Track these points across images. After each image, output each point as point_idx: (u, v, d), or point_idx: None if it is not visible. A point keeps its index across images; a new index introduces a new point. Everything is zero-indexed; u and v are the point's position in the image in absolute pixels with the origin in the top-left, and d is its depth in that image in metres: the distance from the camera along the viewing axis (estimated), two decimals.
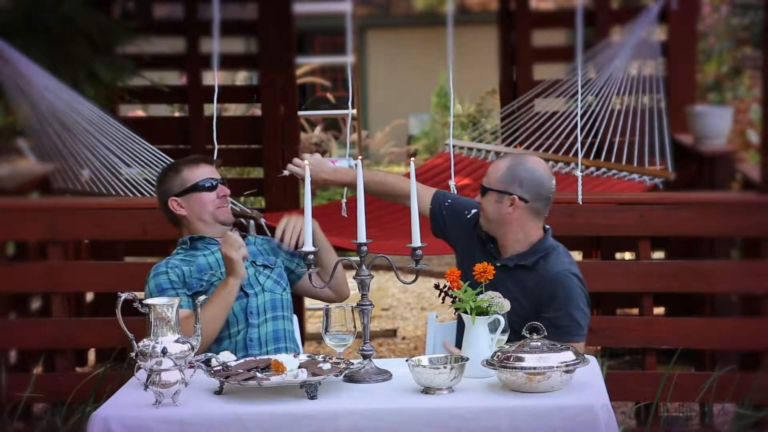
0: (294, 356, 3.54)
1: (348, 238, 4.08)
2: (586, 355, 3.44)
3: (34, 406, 5.37)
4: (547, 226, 4.00)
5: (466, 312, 3.48)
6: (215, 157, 4.91)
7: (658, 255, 6.89)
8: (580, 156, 5.16)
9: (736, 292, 5.56)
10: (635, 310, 5.63)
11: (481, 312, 3.48)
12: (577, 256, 7.53)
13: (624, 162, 6.07)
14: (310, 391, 3.33)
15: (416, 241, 3.57)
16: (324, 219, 4.38)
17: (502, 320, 3.52)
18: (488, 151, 6.23)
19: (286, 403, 3.31)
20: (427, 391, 3.36)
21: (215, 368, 3.46)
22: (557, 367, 3.30)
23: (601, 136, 6.18)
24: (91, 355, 6.81)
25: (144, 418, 3.26)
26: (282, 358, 3.50)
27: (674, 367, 5.14)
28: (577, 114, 5.22)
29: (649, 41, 6.61)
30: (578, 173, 5.10)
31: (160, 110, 10.00)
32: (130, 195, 5.40)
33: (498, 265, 3.73)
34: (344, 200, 5.12)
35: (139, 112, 9.73)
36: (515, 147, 6.30)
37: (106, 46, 6.17)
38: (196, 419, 3.26)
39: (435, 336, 4.19)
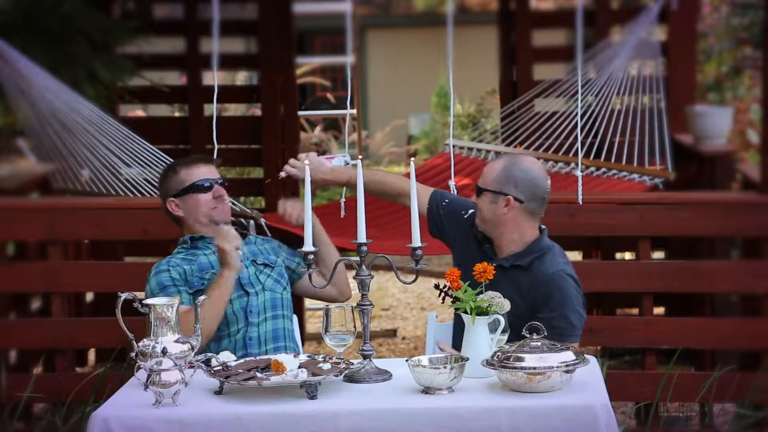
0: (294, 356, 3.54)
1: (348, 238, 4.08)
2: (586, 355, 3.44)
3: (34, 406, 5.37)
4: (543, 227, 4.00)
5: (466, 312, 3.48)
6: (215, 157, 4.91)
7: (658, 255, 6.89)
8: (580, 156, 5.16)
9: (736, 292, 5.56)
10: (635, 310, 5.63)
11: (481, 312, 3.48)
12: (577, 256, 7.53)
13: (624, 162, 6.07)
14: (310, 391, 3.33)
15: (416, 241, 3.57)
16: (324, 219, 4.38)
17: (502, 320, 3.53)
18: (488, 151, 6.23)
19: (286, 403, 3.31)
20: (427, 391, 3.36)
21: (215, 368, 3.46)
22: (557, 367, 3.30)
23: (601, 136, 6.18)
24: (91, 355, 6.81)
25: (144, 418, 3.26)
26: (282, 358, 3.50)
27: (674, 367, 5.14)
28: (577, 114, 5.22)
29: (649, 41, 6.61)
30: (578, 173, 5.10)
31: (160, 110, 10.00)
32: (130, 195, 5.40)
33: (494, 265, 3.72)
34: (343, 200, 5.13)
35: (139, 112, 9.72)
36: (515, 147, 6.30)
37: (106, 46, 6.17)
38: (196, 419, 3.26)
39: (435, 336, 4.19)
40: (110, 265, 5.81)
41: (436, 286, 3.63)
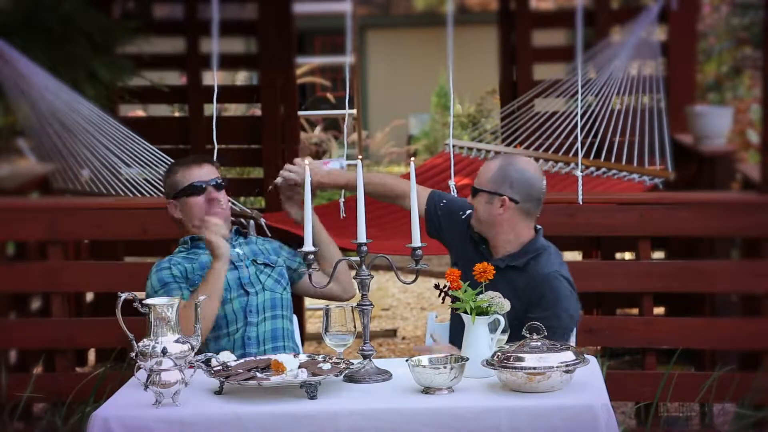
0: (294, 356, 3.54)
1: (348, 238, 4.08)
2: (586, 355, 3.44)
3: (34, 406, 5.37)
4: (539, 227, 3.99)
5: (466, 312, 3.48)
6: (215, 157, 4.90)
7: (658, 255, 6.89)
8: (580, 156, 5.16)
9: (736, 292, 5.56)
10: (635, 310, 5.63)
11: (481, 312, 3.48)
12: (577, 256, 7.54)
13: (624, 162, 6.07)
14: (310, 391, 3.33)
15: (416, 241, 3.57)
16: (324, 219, 4.38)
17: (502, 320, 3.52)
18: (488, 151, 6.23)
19: (286, 403, 3.31)
20: (427, 391, 3.36)
21: (215, 368, 3.46)
22: (557, 367, 3.30)
23: (601, 136, 6.18)
24: (91, 355, 6.81)
25: (144, 418, 3.26)
26: (282, 358, 3.50)
27: (674, 367, 5.14)
28: (577, 114, 5.22)
29: (649, 41, 6.61)
30: (578, 173, 5.10)
31: (160, 110, 10.00)
32: (130, 195, 5.40)
33: None
34: (342, 201, 5.13)
35: (139, 112, 9.73)
36: (515, 147, 6.30)
37: (106, 46, 6.17)
38: (196, 419, 3.26)
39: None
40: (110, 265, 5.81)
41: (436, 286, 3.63)
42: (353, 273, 3.62)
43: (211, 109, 5.56)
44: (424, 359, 3.43)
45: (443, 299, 3.70)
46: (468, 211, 4.06)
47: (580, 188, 5.07)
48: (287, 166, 4.22)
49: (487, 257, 3.92)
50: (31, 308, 6.31)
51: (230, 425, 3.24)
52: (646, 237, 5.15)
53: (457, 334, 3.87)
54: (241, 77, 11.66)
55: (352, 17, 5.62)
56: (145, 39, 6.52)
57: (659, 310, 6.11)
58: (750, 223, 5.09)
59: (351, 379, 3.48)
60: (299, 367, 3.44)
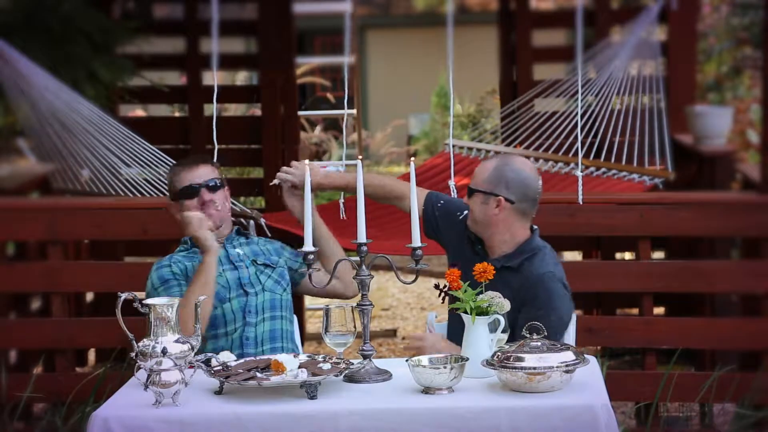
0: (294, 356, 3.54)
1: (348, 238, 4.08)
2: (586, 355, 3.44)
3: (34, 406, 5.37)
4: (535, 227, 3.99)
5: (466, 312, 3.48)
6: (215, 157, 4.90)
7: (658, 255, 6.89)
8: (580, 156, 5.16)
9: (736, 292, 5.56)
10: (635, 310, 5.63)
11: (481, 312, 3.48)
12: (577, 256, 7.54)
13: (624, 162, 6.07)
14: (310, 391, 3.33)
15: (416, 241, 3.57)
16: (324, 219, 4.38)
17: (502, 320, 3.52)
18: (488, 151, 6.23)
19: (286, 403, 3.31)
20: (427, 391, 3.36)
21: (215, 368, 3.46)
22: (557, 367, 3.30)
23: (601, 136, 6.18)
24: (91, 355, 6.81)
25: (144, 418, 3.26)
26: (282, 358, 3.50)
27: (674, 367, 5.14)
28: (577, 114, 5.22)
29: (649, 41, 6.61)
30: (578, 173, 5.10)
31: (160, 110, 10.00)
32: (130, 195, 5.40)
33: None
34: (342, 201, 5.12)
35: (139, 111, 9.73)
36: (515, 147, 6.30)
37: (106, 46, 6.17)
38: (196, 419, 3.26)
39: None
40: (110, 265, 5.81)
41: (436, 286, 3.63)
42: (353, 273, 3.62)
43: (211, 109, 5.56)
44: (424, 359, 3.43)
45: (443, 299, 3.70)
46: (465, 212, 4.06)
47: (580, 188, 5.07)
48: (284, 168, 4.23)
49: (483, 257, 3.92)
50: (31, 308, 6.31)
51: (230, 425, 3.24)
52: (646, 237, 5.15)
53: (455, 333, 3.87)
54: (241, 77, 11.67)
55: (352, 17, 5.63)
56: (145, 39, 6.52)
57: (659, 310, 6.11)
58: (750, 223, 5.09)
59: (351, 379, 3.48)
60: (299, 367, 3.44)
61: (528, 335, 3.42)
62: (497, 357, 3.37)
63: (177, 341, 3.36)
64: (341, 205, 5.14)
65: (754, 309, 5.24)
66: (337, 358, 3.52)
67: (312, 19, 15.40)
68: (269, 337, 4.04)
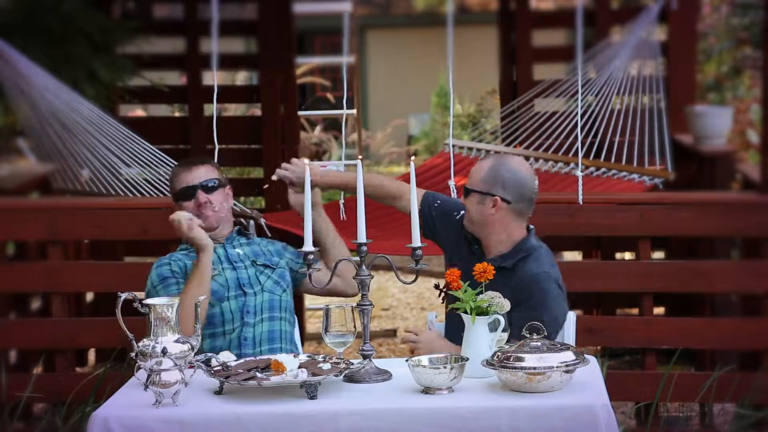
0: (294, 356, 3.54)
1: (348, 238, 4.09)
2: (586, 355, 3.44)
3: (34, 406, 5.37)
4: (531, 226, 3.99)
5: (466, 312, 3.48)
6: (215, 157, 4.90)
7: (658, 255, 6.89)
8: (580, 156, 5.16)
9: (736, 292, 5.56)
10: (635, 310, 5.63)
11: (481, 312, 3.48)
12: (577, 256, 7.54)
13: (624, 162, 6.07)
14: (310, 391, 3.33)
15: (416, 241, 3.57)
16: None
17: (502, 320, 3.52)
18: (488, 151, 6.23)
19: (286, 403, 3.31)
20: (427, 391, 3.36)
21: (215, 368, 3.46)
22: (557, 367, 3.30)
23: (601, 136, 6.18)
24: (91, 355, 6.81)
25: (144, 418, 3.26)
26: (282, 358, 3.50)
27: (674, 367, 5.14)
28: (577, 114, 5.22)
29: (649, 41, 6.61)
30: (578, 173, 5.10)
31: (160, 110, 10.00)
32: (130, 195, 5.40)
33: None
34: (342, 202, 5.12)
35: (139, 111, 9.73)
36: (515, 147, 6.31)
37: (106, 46, 6.18)
38: (196, 419, 3.26)
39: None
40: (110, 265, 5.81)
41: (436, 286, 3.63)
42: (354, 273, 3.62)
43: (211, 109, 5.56)
44: (424, 359, 3.43)
45: (443, 299, 3.70)
46: (462, 212, 4.06)
47: (580, 188, 5.07)
48: (283, 164, 4.23)
49: (480, 257, 3.92)
50: (31, 308, 6.31)
51: (230, 425, 3.25)
52: (646, 237, 5.15)
53: (453, 334, 3.86)
54: (241, 77, 11.66)
55: (352, 17, 5.63)
56: (145, 39, 6.52)
57: (659, 310, 6.11)
58: (750, 223, 5.09)
59: (351, 379, 3.48)
60: (299, 367, 3.44)
61: (528, 335, 3.42)
62: (497, 357, 3.37)
63: (177, 341, 3.36)
64: (341, 205, 5.14)
65: (754, 309, 5.24)
66: (337, 358, 3.52)
67: (312, 19, 15.40)
68: (268, 337, 4.04)
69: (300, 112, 8.28)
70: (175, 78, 9.25)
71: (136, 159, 5.34)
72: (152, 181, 5.35)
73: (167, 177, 5.14)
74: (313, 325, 7.38)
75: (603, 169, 6.02)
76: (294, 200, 4.23)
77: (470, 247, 4.00)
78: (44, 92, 5.44)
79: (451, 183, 5.09)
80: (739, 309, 5.64)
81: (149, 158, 5.32)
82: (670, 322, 5.40)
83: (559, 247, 7.46)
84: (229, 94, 8.24)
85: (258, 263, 4.12)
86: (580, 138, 5.16)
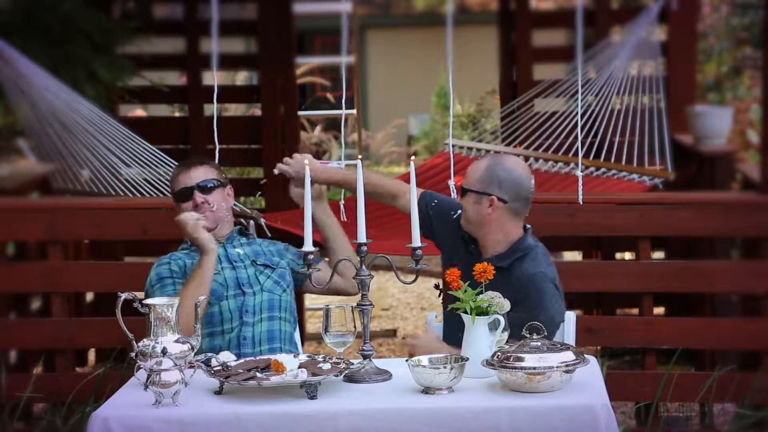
0: (294, 356, 3.54)
1: (348, 238, 4.08)
2: (586, 355, 3.44)
3: (34, 406, 5.37)
4: (528, 226, 3.98)
5: (466, 312, 3.48)
6: (216, 157, 4.90)
7: (658, 255, 6.89)
8: (580, 156, 5.16)
9: (736, 292, 5.56)
10: (635, 310, 5.63)
11: (481, 312, 3.48)
12: (577, 256, 7.54)
13: (624, 162, 6.07)
14: (310, 391, 3.33)
15: (416, 241, 3.57)
16: None
17: (502, 320, 3.52)
18: (488, 151, 6.23)
19: (286, 403, 3.31)
20: (427, 391, 3.36)
21: (215, 368, 3.46)
22: (557, 367, 3.30)
23: (601, 136, 6.18)
24: (91, 355, 6.81)
25: (144, 418, 3.26)
26: (282, 358, 3.50)
27: (674, 367, 5.13)
28: (577, 114, 5.22)
29: (649, 41, 6.61)
30: (578, 173, 5.10)
31: (160, 110, 10.00)
32: (130, 195, 5.40)
33: None
34: (342, 202, 5.12)
35: (139, 111, 9.72)
36: (515, 147, 6.31)
37: (106, 46, 6.18)
38: (196, 419, 3.26)
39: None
40: (110, 265, 5.81)
41: (436, 286, 3.64)
42: (353, 273, 3.62)
43: (211, 109, 5.56)
44: (424, 359, 3.43)
45: (443, 299, 3.70)
46: (459, 211, 4.06)
47: (580, 188, 5.07)
48: (285, 159, 4.24)
49: (477, 257, 3.91)
50: (31, 308, 6.31)
51: (230, 425, 3.25)
52: (646, 237, 5.15)
53: (451, 334, 3.86)
54: (241, 77, 11.66)
55: (352, 17, 5.64)
56: (145, 39, 6.53)
57: (659, 310, 6.11)
58: (750, 223, 5.09)
59: (351, 379, 3.48)
60: (299, 367, 3.44)
61: (528, 335, 3.42)
62: (497, 357, 3.37)
63: (177, 341, 3.36)
64: (341, 206, 5.14)
65: (754, 309, 5.24)
66: (337, 358, 3.52)
67: (312, 19, 15.41)
68: (267, 337, 4.04)
69: (300, 112, 8.28)
70: (175, 78, 9.25)
71: (136, 159, 5.34)
72: (152, 181, 5.35)
73: (167, 177, 5.14)
74: (313, 325, 7.38)
75: (603, 169, 6.02)
76: (295, 192, 4.24)
77: (467, 247, 4.00)
78: (44, 92, 5.44)
79: (451, 183, 5.09)
80: (739, 309, 5.64)
81: (149, 158, 5.32)
82: (670, 322, 5.40)
83: (559, 247, 7.47)
84: (229, 94, 8.25)
85: (258, 263, 4.12)
86: (580, 138, 5.16)
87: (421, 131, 15.35)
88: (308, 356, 3.56)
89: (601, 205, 5.16)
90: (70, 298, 5.78)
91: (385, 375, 3.50)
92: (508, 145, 6.40)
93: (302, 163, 4.10)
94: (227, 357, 3.61)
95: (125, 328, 3.39)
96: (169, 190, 4.57)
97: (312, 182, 4.21)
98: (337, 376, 3.39)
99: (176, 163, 4.85)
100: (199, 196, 4.10)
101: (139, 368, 3.40)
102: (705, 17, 11.75)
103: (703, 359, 5.64)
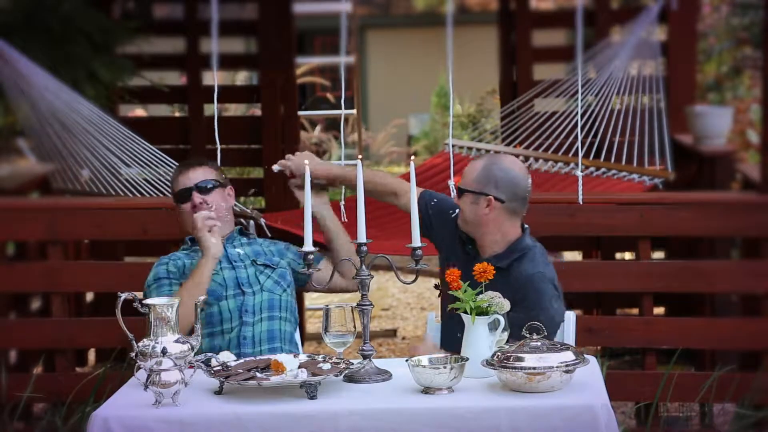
0: (294, 356, 3.54)
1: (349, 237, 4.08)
2: (586, 355, 3.44)
3: (34, 406, 5.37)
4: (526, 225, 3.98)
5: (466, 312, 3.48)
6: (218, 157, 4.90)
7: (658, 255, 6.89)
8: (580, 156, 5.16)
9: (736, 292, 5.56)
10: (635, 310, 5.63)
11: (481, 312, 3.48)
12: (577, 256, 7.54)
13: (624, 162, 6.07)
14: (310, 391, 3.33)
15: (416, 241, 3.57)
16: None
17: (502, 320, 3.52)
18: (488, 151, 6.23)
19: (286, 403, 3.31)
20: (427, 391, 3.36)
21: (215, 368, 3.46)
22: (557, 367, 3.30)
23: (601, 136, 6.18)
24: (91, 355, 6.81)
25: (144, 418, 3.26)
26: (282, 358, 3.50)
27: (674, 367, 5.14)
28: (577, 114, 5.22)
29: (649, 41, 6.61)
30: (578, 173, 5.10)
31: (160, 110, 10.00)
32: (130, 195, 5.40)
33: None
34: (342, 203, 5.12)
35: (139, 111, 9.73)
36: (515, 147, 6.31)
37: (106, 46, 6.18)
38: (196, 419, 3.26)
39: (434, 336, 4.19)
40: (110, 265, 5.81)
41: (436, 286, 3.63)
42: (353, 273, 3.62)
43: (211, 109, 5.56)
44: (424, 359, 3.43)
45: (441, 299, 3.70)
46: (457, 210, 4.05)
47: (580, 188, 5.07)
48: (287, 155, 4.25)
49: (474, 257, 3.91)
50: (31, 308, 6.31)
51: (230, 425, 3.25)
52: (646, 237, 5.15)
53: (450, 334, 3.86)
54: (241, 77, 11.66)
55: (352, 17, 5.64)
56: (145, 39, 6.52)
57: (659, 310, 6.11)
58: (750, 223, 5.09)
59: (351, 379, 3.48)
60: (299, 367, 3.44)
61: (528, 335, 3.42)
62: (497, 357, 3.37)
63: (177, 341, 3.36)
64: (342, 206, 5.14)
65: (754, 309, 5.24)
66: (337, 358, 3.52)
67: (312, 19, 15.41)
68: (267, 337, 4.04)
69: (300, 112, 8.28)
70: (175, 78, 9.25)
71: (136, 159, 5.34)
72: (152, 181, 5.35)
73: (167, 177, 5.15)
74: (313, 325, 7.38)
75: (603, 169, 6.02)
76: (294, 184, 4.24)
77: (464, 247, 4.00)
78: (44, 92, 5.44)
79: (451, 183, 5.09)
80: (739, 309, 5.64)
81: (149, 158, 5.32)
82: (670, 322, 5.40)
83: (559, 247, 7.47)
84: (229, 94, 8.25)
85: (258, 263, 4.12)
86: (580, 138, 5.16)
87: (421, 131, 15.34)
88: (308, 356, 3.56)
89: (601, 205, 5.16)
90: (70, 298, 5.79)
91: (385, 375, 3.50)
92: (508, 145, 6.40)
93: (303, 161, 4.11)
94: (227, 357, 3.61)
95: (125, 328, 3.39)
96: (169, 190, 4.57)
97: (313, 177, 4.22)
98: (337, 376, 3.39)
99: (176, 163, 4.85)
100: (197, 197, 4.10)
101: (139, 368, 3.40)
102: (705, 17, 11.75)
103: (703, 359, 5.64)
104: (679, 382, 5.05)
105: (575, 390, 3.33)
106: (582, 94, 5.47)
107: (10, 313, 5.77)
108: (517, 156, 5.96)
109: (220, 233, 4.12)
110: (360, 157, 3.85)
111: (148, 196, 5.35)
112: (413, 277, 3.58)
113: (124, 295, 3.39)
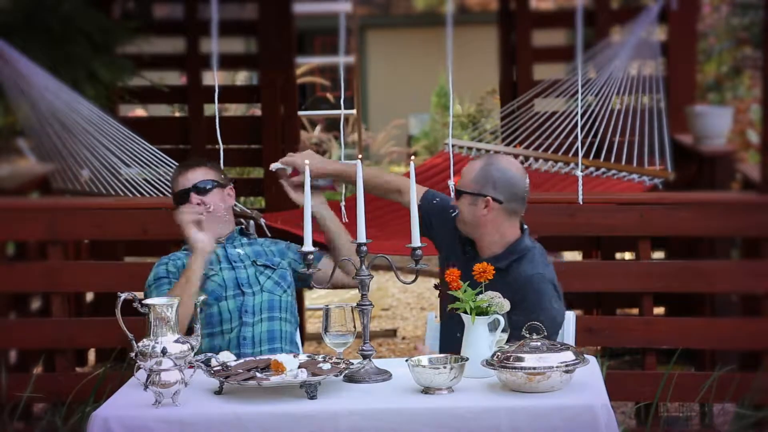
0: (294, 356, 3.54)
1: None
2: (586, 355, 3.44)
3: (34, 406, 5.37)
4: (525, 226, 3.98)
5: (465, 312, 3.48)
6: (221, 157, 4.90)
7: (658, 255, 6.89)
8: (580, 156, 5.16)
9: (736, 292, 5.56)
10: (635, 310, 5.63)
11: (481, 312, 3.48)
12: (577, 256, 7.54)
13: (624, 162, 6.08)
14: (310, 391, 3.33)
15: (416, 241, 3.57)
16: None
17: (502, 320, 3.52)
18: (488, 151, 6.23)
19: (286, 403, 3.31)
20: (427, 391, 3.36)
21: (215, 368, 3.47)
22: (557, 367, 3.30)
23: (601, 136, 6.18)
24: (91, 355, 6.81)
25: (144, 418, 3.26)
26: (282, 358, 3.50)
27: (674, 367, 5.14)
28: (577, 114, 5.22)
29: (649, 41, 6.61)
30: (578, 173, 5.10)
31: (160, 110, 10.00)
32: (130, 195, 5.40)
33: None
34: (343, 203, 5.12)
35: (139, 111, 9.72)
36: (515, 147, 6.31)
37: (106, 46, 6.18)
38: (196, 419, 3.26)
39: (435, 336, 4.19)
40: (110, 265, 5.81)
41: (436, 286, 3.63)
42: (353, 273, 3.62)
43: (212, 109, 5.56)
44: (424, 359, 3.43)
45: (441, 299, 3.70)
46: (458, 210, 4.05)
47: (580, 188, 5.07)
48: (289, 153, 4.25)
49: (473, 258, 3.91)
50: (31, 308, 6.32)
51: (230, 425, 3.25)
52: (646, 237, 5.15)
53: (449, 335, 3.86)
54: (241, 77, 11.66)
55: (352, 17, 5.64)
56: (145, 39, 6.52)
57: (659, 310, 6.11)
58: (750, 223, 5.09)
59: (351, 379, 3.48)
60: (299, 367, 3.44)
61: (528, 335, 3.42)
62: (497, 357, 3.37)
63: (177, 341, 3.36)
64: (342, 206, 5.14)
65: (754, 309, 5.24)
66: (337, 358, 3.52)
67: (312, 19, 15.39)
68: (267, 337, 4.04)
69: (300, 112, 8.28)
70: (175, 78, 9.25)
71: (136, 159, 5.34)
72: (152, 181, 5.35)
73: (167, 177, 5.15)
74: (313, 325, 7.38)
75: (603, 169, 6.02)
76: (299, 199, 4.23)
77: (464, 248, 3.99)
78: (44, 92, 5.44)
79: (451, 183, 5.09)
80: (739, 309, 5.64)
81: (149, 158, 5.32)
82: (670, 322, 5.40)
83: (559, 247, 7.47)
84: (229, 94, 8.24)
85: (258, 263, 4.12)
86: (580, 138, 5.16)
87: (421, 131, 15.34)
88: (308, 356, 3.56)
89: (601, 205, 5.16)
90: (70, 298, 5.79)
91: (385, 375, 3.50)
92: (508, 145, 6.40)
93: (307, 156, 4.12)
94: (227, 357, 3.61)
95: (125, 328, 3.39)
96: (169, 190, 4.57)
97: (313, 175, 4.22)
98: (337, 376, 3.39)
99: (176, 163, 4.85)
100: (195, 198, 4.10)
101: (139, 368, 3.40)
102: (705, 17, 11.75)
103: (703, 359, 5.64)
104: (679, 382, 5.05)
105: (575, 390, 3.33)
106: (582, 94, 5.48)
107: (10, 313, 5.77)
108: (517, 156, 5.97)
109: (221, 233, 4.12)
110: (360, 157, 3.85)
111: (148, 196, 5.35)
112: (413, 277, 3.58)
113: (124, 295, 3.39)
